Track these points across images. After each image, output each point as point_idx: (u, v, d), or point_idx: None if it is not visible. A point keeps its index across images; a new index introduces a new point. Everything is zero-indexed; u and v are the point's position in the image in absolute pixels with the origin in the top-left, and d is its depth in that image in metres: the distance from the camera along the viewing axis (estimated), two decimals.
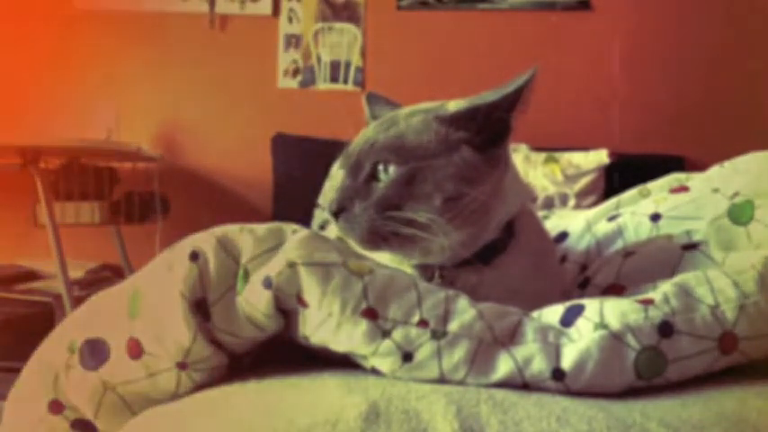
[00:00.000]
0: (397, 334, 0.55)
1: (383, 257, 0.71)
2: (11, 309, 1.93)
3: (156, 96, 2.43)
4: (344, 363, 0.60)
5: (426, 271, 0.73)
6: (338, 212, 0.69)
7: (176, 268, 0.59)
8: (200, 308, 0.58)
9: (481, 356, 0.55)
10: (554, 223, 1.06)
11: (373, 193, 0.69)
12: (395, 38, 2.41)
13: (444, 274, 0.72)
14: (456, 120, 0.71)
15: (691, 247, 0.73)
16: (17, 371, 0.65)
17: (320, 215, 1.98)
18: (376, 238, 0.68)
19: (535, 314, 0.61)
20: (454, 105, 0.73)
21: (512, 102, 0.69)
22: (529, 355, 0.55)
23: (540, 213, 1.14)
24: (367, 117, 0.85)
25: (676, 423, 0.48)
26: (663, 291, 0.58)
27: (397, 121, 0.73)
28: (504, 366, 0.54)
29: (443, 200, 0.68)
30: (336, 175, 0.73)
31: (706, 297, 0.57)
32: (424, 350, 0.55)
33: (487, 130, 0.70)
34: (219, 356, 0.60)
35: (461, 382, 0.55)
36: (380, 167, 0.69)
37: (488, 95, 0.70)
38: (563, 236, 1.00)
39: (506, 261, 0.74)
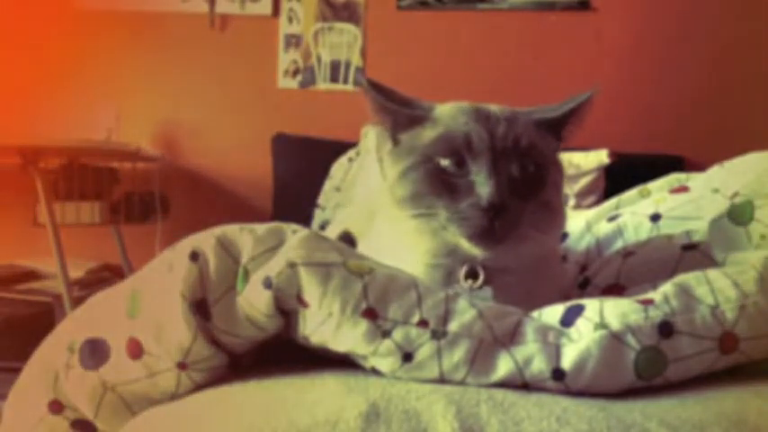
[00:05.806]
0: (397, 334, 0.55)
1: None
2: (11, 309, 1.94)
3: (156, 96, 2.42)
4: (344, 363, 0.60)
5: (450, 273, 0.71)
6: (500, 210, 0.65)
7: (176, 268, 0.59)
8: (201, 308, 0.58)
9: (481, 356, 0.55)
10: None
11: (522, 192, 0.68)
12: (395, 38, 2.41)
13: (486, 274, 0.71)
14: (551, 127, 0.74)
15: (691, 247, 0.73)
16: (17, 371, 0.65)
17: (320, 215, 1.98)
18: (520, 237, 0.68)
19: (535, 314, 0.61)
20: (535, 112, 0.74)
21: (574, 116, 0.74)
22: (529, 355, 0.55)
23: None
24: (379, 102, 0.72)
25: (676, 423, 0.48)
26: (663, 291, 0.58)
27: (510, 118, 0.70)
28: (504, 366, 0.54)
29: (557, 205, 0.71)
30: (475, 168, 0.67)
31: (706, 297, 0.57)
32: (424, 350, 0.55)
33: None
34: (219, 356, 0.60)
35: (461, 382, 0.54)
36: (524, 167, 0.69)
37: (555, 108, 0.74)
38: (563, 236, 1.00)
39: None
